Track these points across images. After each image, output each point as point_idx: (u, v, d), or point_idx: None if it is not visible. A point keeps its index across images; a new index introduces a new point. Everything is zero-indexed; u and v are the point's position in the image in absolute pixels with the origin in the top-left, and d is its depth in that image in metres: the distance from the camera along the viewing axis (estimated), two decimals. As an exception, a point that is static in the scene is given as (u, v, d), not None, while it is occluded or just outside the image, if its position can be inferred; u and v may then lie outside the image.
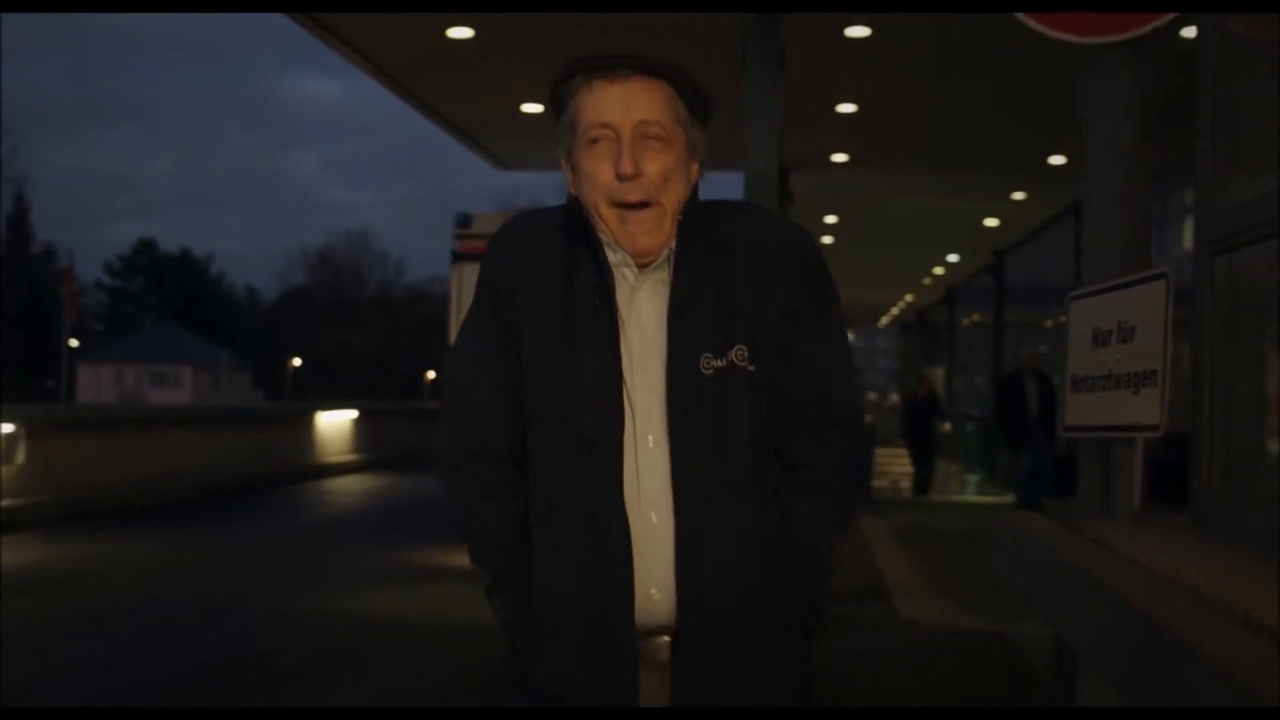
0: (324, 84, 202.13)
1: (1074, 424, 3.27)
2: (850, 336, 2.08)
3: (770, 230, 1.93)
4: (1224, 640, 1.85)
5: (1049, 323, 18.86)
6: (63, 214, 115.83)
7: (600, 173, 1.85)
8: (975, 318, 25.01)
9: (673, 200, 1.86)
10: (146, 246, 75.07)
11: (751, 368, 1.85)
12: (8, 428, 12.21)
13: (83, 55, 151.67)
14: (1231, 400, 2.84)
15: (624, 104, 1.83)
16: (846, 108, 10.90)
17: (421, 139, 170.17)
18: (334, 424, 21.63)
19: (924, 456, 17.86)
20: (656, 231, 1.86)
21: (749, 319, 1.86)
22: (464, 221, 12.70)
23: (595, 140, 1.85)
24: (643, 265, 1.88)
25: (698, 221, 1.89)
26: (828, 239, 19.32)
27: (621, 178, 1.83)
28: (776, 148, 8.47)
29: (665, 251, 1.88)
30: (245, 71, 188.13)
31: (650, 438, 1.84)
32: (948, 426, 22.10)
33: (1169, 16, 3.22)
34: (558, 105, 1.92)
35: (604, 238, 1.87)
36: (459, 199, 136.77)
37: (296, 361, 63.92)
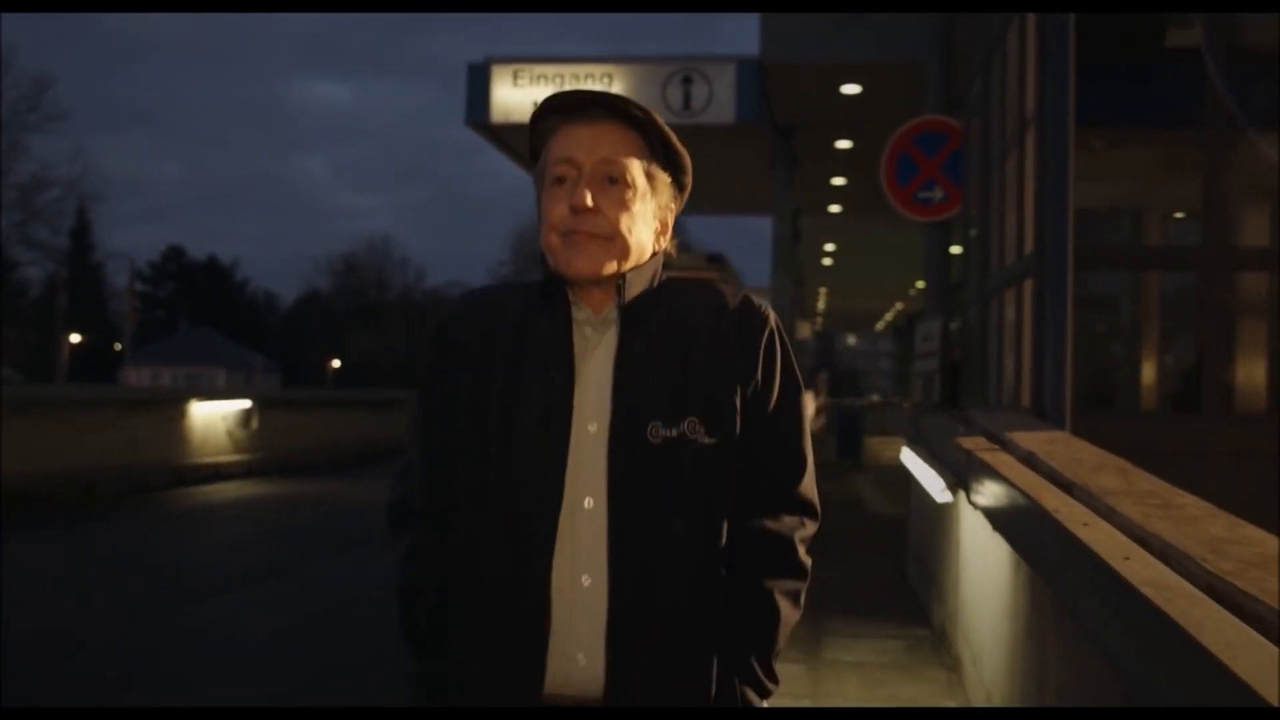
0: (331, 88, 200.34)
1: (918, 371, 8.21)
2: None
3: (734, 305, 1.79)
4: (976, 439, 6.43)
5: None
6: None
7: (555, 209, 1.71)
8: (955, 323, 29.07)
9: (630, 243, 1.72)
10: (175, 253, 77.13)
11: (709, 440, 1.70)
12: (247, 403, 17.14)
13: (90, 59, 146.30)
14: (980, 362, 7.71)
15: (591, 143, 1.71)
16: (839, 180, 15.79)
17: (428, 143, 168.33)
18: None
19: None
20: (599, 256, 1.70)
21: (706, 391, 1.72)
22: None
23: (559, 179, 1.72)
24: (599, 310, 1.74)
25: (655, 288, 1.78)
26: (828, 261, 24.05)
27: (574, 210, 1.69)
28: (792, 217, 13.37)
29: (612, 305, 1.74)
30: (252, 76, 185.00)
31: (588, 499, 1.68)
32: None
33: (952, 211, 8.18)
34: (534, 149, 1.80)
35: (572, 298, 1.74)
36: (466, 203, 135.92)
37: (336, 363, 67.81)
